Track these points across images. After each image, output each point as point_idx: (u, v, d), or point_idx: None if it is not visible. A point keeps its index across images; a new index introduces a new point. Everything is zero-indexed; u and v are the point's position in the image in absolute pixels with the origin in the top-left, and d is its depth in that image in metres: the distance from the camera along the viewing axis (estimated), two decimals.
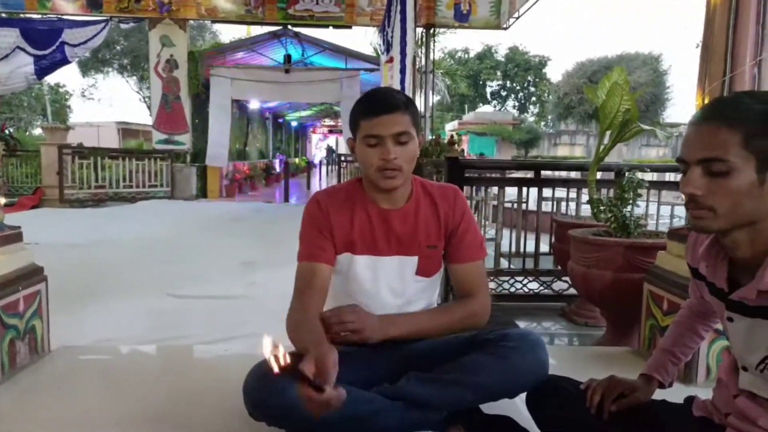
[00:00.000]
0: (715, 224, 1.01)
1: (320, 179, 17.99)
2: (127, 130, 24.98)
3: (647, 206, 3.63)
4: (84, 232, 6.22)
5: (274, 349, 1.08)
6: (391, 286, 1.47)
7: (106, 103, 63.61)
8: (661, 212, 3.89)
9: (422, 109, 12.00)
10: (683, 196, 1.04)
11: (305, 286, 1.41)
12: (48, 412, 1.65)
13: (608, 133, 3.06)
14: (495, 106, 37.96)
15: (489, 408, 1.44)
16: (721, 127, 0.97)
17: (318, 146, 32.96)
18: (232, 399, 1.48)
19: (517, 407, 1.48)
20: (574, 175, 3.89)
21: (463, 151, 10.73)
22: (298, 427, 1.34)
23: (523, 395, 1.41)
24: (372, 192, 1.46)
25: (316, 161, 23.89)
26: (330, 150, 25.16)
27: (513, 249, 3.64)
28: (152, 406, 1.68)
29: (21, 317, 1.90)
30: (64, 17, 9.95)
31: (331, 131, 29.27)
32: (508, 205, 4.22)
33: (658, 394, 1.35)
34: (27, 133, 20.38)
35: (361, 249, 1.45)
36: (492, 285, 3.44)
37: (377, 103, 1.36)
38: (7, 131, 12.39)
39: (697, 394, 1.30)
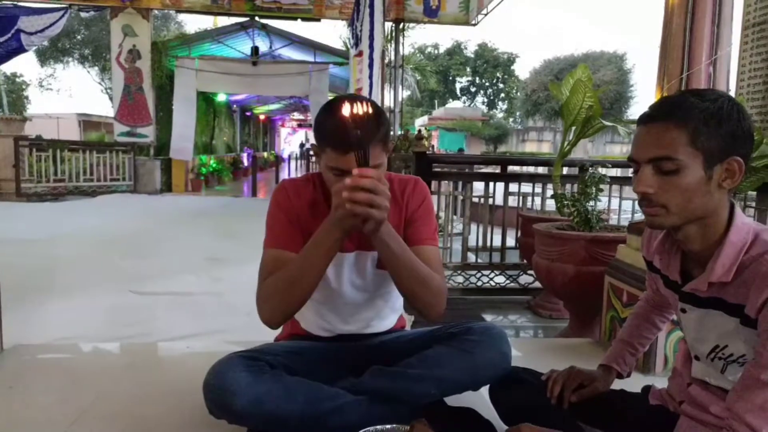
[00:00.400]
0: (668, 220, 1.04)
1: (289, 174, 17.82)
2: (88, 123, 24.21)
3: (609, 201, 3.72)
4: (42, 227, 6.02)
5: None
6: (353, 282, 1.45)
7: (65, 94, 61.71)
8: (624, 207, 3.99)
9: (391, 104, 12.02)
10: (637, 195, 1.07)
11: (273, 273, 1.32)
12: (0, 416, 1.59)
13: (572, 129, 3.12)
14: (464, 102, 38.32)
15: (453, 400, 1.45)
16: (669, 127, 0.99)
17: (287, 140, 32.65)
18: (192, 397, 1.45)
19: (481, 399, 1.50)
20: (540, 170, 3.95)
21: (432, 147, 10.78)
22: (257, 425, 1.32)
23: (487, 387, 1.43)
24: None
25: (285, 155, 23.67)
26: (302, 144, 24.95)
27: (480, 243, 3.68)
28: (111, 405, 1.64)
29: None
30: (20, 4, 9.56)
31: (300, 125, 29.04)
32: (476, 200, 4.27)
33: (617, 384, 1.38)
34: None
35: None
36: (459, 279, 3.48)
37: (347, 138, 1.15)
38: None
39: (654, 384, 1.35)
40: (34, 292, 3.17)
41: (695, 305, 1.09)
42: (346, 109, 1.16)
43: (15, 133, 9.10)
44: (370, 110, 1.20)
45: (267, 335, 1.53)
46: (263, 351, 1.40)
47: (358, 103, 1.17)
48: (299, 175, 1.51)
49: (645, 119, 1.04)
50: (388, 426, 1.36)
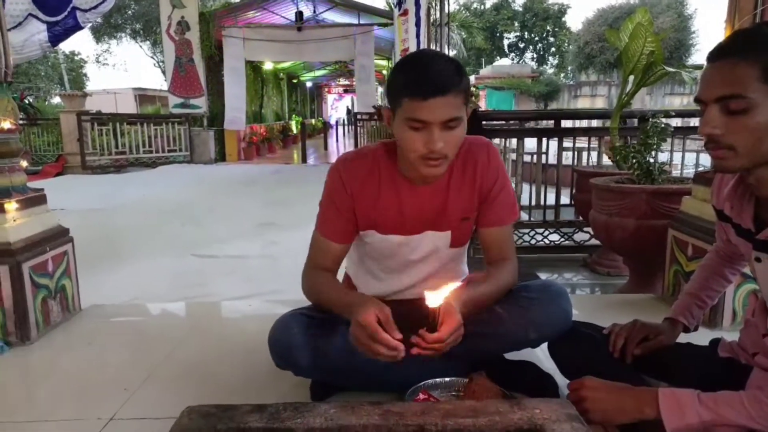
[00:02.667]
0: (737, 163, 0.98)
1: (337, 140, 17.88)
2: (143, 96, 24.99)
3: (671, 153, 3.54)
4: (107, 198, 6.32)
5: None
6: (423, 260, 1.41)
7: (121, 69, 63.57)
8: (687, 162, 3.79)
9: None
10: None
11: (316, 259, 1.39)
12: (81, 368, 1.71)
13: (631, 78, 2.96)
14: (513, 59, 36.96)
15: (512, 355, 1.44)
16: (738, 62, 0.92)
17: (334, 106, 32.65)
18: (257, 353, 1.51)
19: (539, 352, 1.49)
20: (595, 124, 3.79)
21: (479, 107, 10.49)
22: (322, 375, 1.37)
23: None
24: (405, 166, 1.30)
25: (333, 122, 23.72)
26: (349, 110, 24.91)
27: (533, 201, 3.60)
28: (181, 361, 1.73)
29: (51, 277, 1.95)
30: None
31: (346, 91, 28.92)
32: (528, 159, 4.15)
33: (683, 338, 1.34)
34: (46, 103, 20.53)
35: (386, 229, 1.35)
36: None
37: (428, 82, 1.12)
38: (26, 100, 12.48)
39: (723, 337, 1.29)
40: (103, 258, 3.35)
41: None
42: (423, 56, 1.19)
43: (77, 108, 9.50)
44: (449, 58, 1.19)
45: None
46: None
47: (438, 54, 1.18)
48: (354, 150, 1.42)
49: (713, 55, 0.97)
50: (447, 379, 1.38)
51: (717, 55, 0.96)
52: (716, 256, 1.35)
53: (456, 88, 1.14)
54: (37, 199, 1.98)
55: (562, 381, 1.37)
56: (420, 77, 1.14)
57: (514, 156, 3.98)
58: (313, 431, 0.95)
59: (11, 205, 1.83)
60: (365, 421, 0.97)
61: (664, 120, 2.52)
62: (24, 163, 1.98)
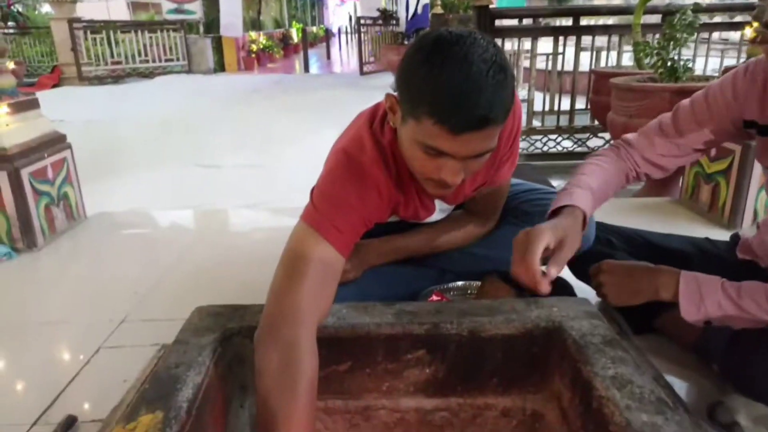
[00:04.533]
0: None
1: (340, 48, 17.19)
2: (136, 4, 23.79)
3: (695, 50, 3.32)
4: (106, 109, 6.18)
5: None
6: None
7: None
8: (711, 66, 3.59)
9: None
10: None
11: (316, 285, 0.88)
12: (90, 273, 1.71)
13: None
14: None
15: None
16: None
17: (335, 13, 31.15)
18: (265, 259, 1.47)
19: None
20: (616, 21, 3.54)
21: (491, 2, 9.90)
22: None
23: None
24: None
25: (335, 29, 22.68)
26: (350, 17, 23.77)
27: (546, 107, 3.46)
28: (189, 266, 1.72)
29: (52, 184, 1.90)
30: None
31: None
32: (541, 66, 3.93)
33: (700, 233, 1.28)
34: (36, 12, 19.64)
35: (410, 217, 1.16)
36: (524, 144, 3.33)
37: (467, 114, 0.78)
38: (14, 8, 11.91)
39: (743, 235, 1.24)
40: (106, 169, 3.30)
41: None
42: (467, 64, 0.78)
43: (67, 15, 9.07)
44: (500, 68, 0.80)
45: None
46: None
47: (486, 60, 0.78)
48: (365, 145, 0.99)
49: None
50: (460, 282, 1.35)
51: None
52: (626, 160, 1.11)
53: (502, 120, 0.82)
54: (29, 103, 1.89)
55: (578, 286, 1.34)
56: (456, 102, 0.77)
57: (526, 63, 3.78)
58: (326, 330, 0.92)
59: (2, 109, 1.74)
60: (378, 320, 0.94)
61: (691, 14, 2.33)
62: (10, 65, 1.87)
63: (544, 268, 0.90)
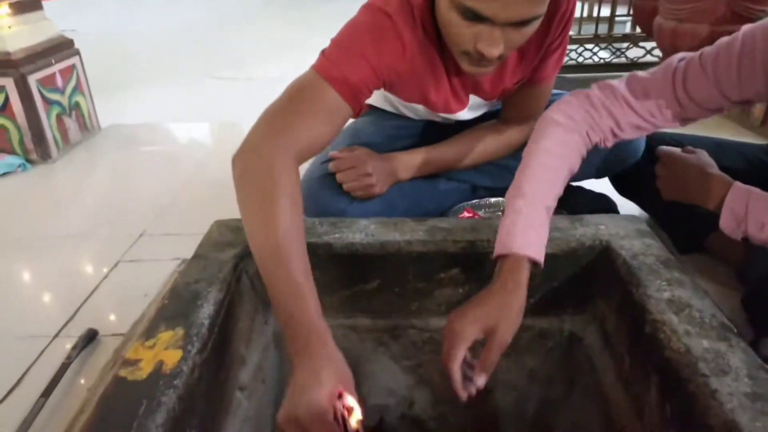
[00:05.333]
0: None
1: None
2: None
3: None
4: (118, 19, 5.96)
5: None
6: (469, 116, 1.13)
7: None
8: None
9: None
10: None
11: (312, 118, 0.81)
12: (106, 185, 1.67)
13: None
14: None
15: None
16: None
17: None
18: None
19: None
20: None
21: None
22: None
23: None
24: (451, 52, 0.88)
25: None
26: None
27: (584, 13, 3.20)
28: (206, 180, 1.66)
29: (62, 92, 1.82)
30: None
31: None
32: None
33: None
34: None
35: (441, 109, 1.05)
36: None
37: None
38: None
39: None
40: (117, 81, 3.19)
41: None
42: None
43: None
44: None
45: None
46: (359, 135, 1.18)
47: None
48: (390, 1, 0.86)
49: None
50: (492, 199, 1.27)
51: None
52: (581, 139, 0.85)
53: None
54: (32, 4, 1.77)
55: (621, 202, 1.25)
56: None
57: None
58: (353, 246, 0.86)
59: (2, 9, 1.63)
60: (409, 237, 0.88)
61: None
62: None
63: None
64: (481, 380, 0.69)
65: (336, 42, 0.87)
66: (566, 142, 0.83)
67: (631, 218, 0.92)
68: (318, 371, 0.62)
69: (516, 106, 1.09)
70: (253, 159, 0.76)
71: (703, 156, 1.00)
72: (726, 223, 0.87)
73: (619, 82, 0.88)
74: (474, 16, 0.73)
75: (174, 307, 0.72)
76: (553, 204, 0.79)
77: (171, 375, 0.61)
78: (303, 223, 0.73)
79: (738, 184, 0.89)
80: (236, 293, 0.82)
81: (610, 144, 0.89)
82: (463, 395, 0.70)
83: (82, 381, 0.89)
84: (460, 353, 0.69)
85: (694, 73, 0.84)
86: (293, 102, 0.82)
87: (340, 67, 0.83)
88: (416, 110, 1.12)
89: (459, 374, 0.70)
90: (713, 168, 0.96)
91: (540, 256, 0.73)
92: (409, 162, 1.12)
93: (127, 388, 0.59)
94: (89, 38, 4.45)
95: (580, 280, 0.88)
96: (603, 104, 0.86)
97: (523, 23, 0.74)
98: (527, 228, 0.74)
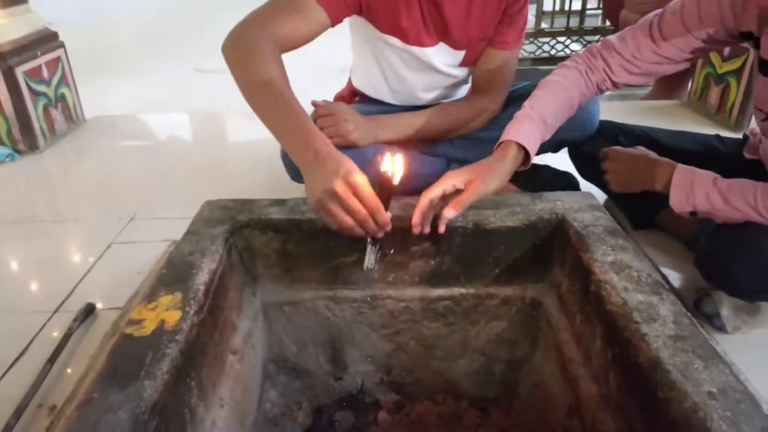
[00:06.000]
0: None
1: None
2: None
3: None
4: (97, 8, 5.91)
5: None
6: (426, 80, 1.27)
7: None
8: None
9: None
10: None
11: (283, 15, 0.97)
12: (94, 174, 1.72)
13: None
14: None
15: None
16: None
17: None
18: (268, 159, 1.48)
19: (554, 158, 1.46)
20: None
21: None
22: None
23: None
24: None
25: None
26: None
27: (557, 7, 3.31)
28: (191, 167, 1.73)
29: (48, 84, 1.86)
30: None
31: None
32: None
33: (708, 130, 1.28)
34: None
35: (413, 39, 1.18)
36: (530, 48, 3.22)
37: None
38: None
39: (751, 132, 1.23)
40: (102, 72, 3.22)
41: None
42: None
43: None
44: None
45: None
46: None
47: None
48: None
49: None
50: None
51: None
52: (587, 77, 1.05)
53: None
54: None
55: (583, 184, 1.35)
56: None
57: None
58: None
59: None
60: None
61: None
62: None
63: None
64: (449, 213, 0.84)
65: None
66: (566, 76, 1.03)
67: (584, 194, 1.02)
68: (335, 155, 0.75)
69: (483, 72, 1.22)
70: (239, 42, 0.92)
71: (643, 149, 1.12)
72: (675, 199, 0.97)
73: (614, 35, 1.05)
74: None
75: (172, 274, 0.80)
76: (552, 120, 0.98)
77: (173, 331, 0.69)
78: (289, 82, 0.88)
79: (681, 165, 1.00)
80: (227, 265, 0.90)
81: (609, 87, 1.05)
82: (417, 225, 0.86)
83: (84, 350, 0.96)
84: (438, 191, 0.85)
85: (666, 17, 0.99)
86: (276, 3, 0.99)
87: None
88: (397, 71, 1.24)
89: (426, 206, 0.85)
90: (655, 155, 1.06)
91: (527, 144, 0.91)
92: (390, 122, 1.23)
93: (134, 343, 0.67)
94: (68, 28, 4.44)
95: (540, 250, 0.97)
96: (598, 51, 1.04)
97: None
98: (519, 126, 0.94)
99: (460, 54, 1.22)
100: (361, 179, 0.74)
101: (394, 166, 0.77)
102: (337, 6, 1.03)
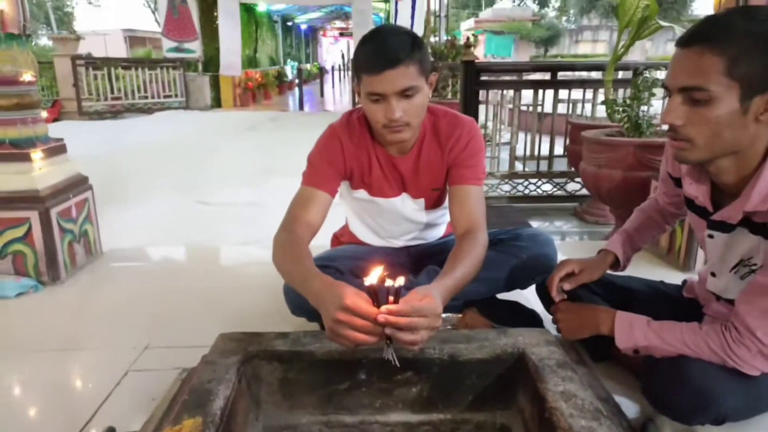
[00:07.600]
0: (695, 155, 0.99)
1: (333, 86, 17.66)
2: (134, 38, 24.38)
3: (663, 105, 3.63)
4: (108, 144, 6.37)
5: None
6: (408, 218, 1.53)
7: (108, 9, 61.57)
8: None
9: (437, 8, 11.51)
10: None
11: (300, 209, 1.33)
12: (110, 304, 1.88)
13: (627, 30, 3.02)
14: (514, 1, 35.98)
15: (502, 295, 1.61)
16: (704, 52, 0.91)
17: (329, 51, 31.94)
18: (272, 291, 1.66)
19: (528, 294, 1.66)
20: (593, 75, 3.85)
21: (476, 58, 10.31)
22: None
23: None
24: (377, 135, 1.39)
25: (328, 67, 23.30)
26: (343, 55, 24.41)
27: (528, 152, 3.71)
28: (202, 298, 1.90)
29: (75, 222, 2.09)
30: None
31: (342, 34, 28.25)
32: (524, 108, 4.24)
33: (658, 275, 1.49)
34: (34, 44, 20.04)
35: (376, 192, 1.47)
36: (506, 187, 3.57)
37: (378, 57, 1.20)
38: None
39: (691, 279, 1.45)
40: (111, 204, 3.46)
41: (723, 231, 1.10)
42: (380, 32, 1.26)
43: (70, 52, 9.36)
44: (404, 32, 1.26)
45: (324, 240, 1.68)
46: (331, 258, 1.53)
47: (392, 29, 1.26)
48: (347, 113, 1.46)
49: (682, 42, 0.96)
50: (443, 315, 1.54)
51: (686, 41, 0.95)
52: (656, 204, 1.45)
53: (408, 59, 1.20)
54: (59, 149, 2.09)
55: (547, 317, 1.54)
56: (373, 52, 1.22)
57: (510, 106, 4.07)
58: (330, 354, 1.12)
59: (36, 155, 1.94)
60: (374, 346, 1.13)
61: (656, 73, 2.61)
62: (44, 114, 2.07)
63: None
64: (566, 286, 1.39)
65: (308, 159, 1.41)
66: (644, 205, 1.50)
67: (543, 331, 1.20)
68: (331, 288, 0.99)
69: (458, 210, 1.35)
70: (277, 240, 1.27)
71: (585, 302, 1.38)
72: (620, 339, 1.19)
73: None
74: (375, 97, 1.23)
75: (193, 400, 0.95)
76: (635, 234, 1.47)
77: None
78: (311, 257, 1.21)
79: (619, 311, 1.22)
80: (238, 392, 1.05)
81: (671, 217, 1.47)
82: (555, 295, 1.39)
83: None
84: (560, 274, 1.40)
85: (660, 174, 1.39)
86: (296, 204, 1.36)
87: (314, 176, 1.38)
88: (374, 218, 1.55)
89: (556, 285, 1.39)
90: (595, 306, 1.31)
91: (616, 250, 1.43)
92: (447, 295, 1.12)
93: None
94: (81, 162, 4.81)
95: (505, 379, 1.14)
96: (655, 197, 1.48)
97: (407, 92, 1.23)
98: (612, 240, 1.47)
99: (421, 201, 1.50)
100: (355, 301, 0.94)
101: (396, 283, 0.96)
102: (331, 185, 1.39)
